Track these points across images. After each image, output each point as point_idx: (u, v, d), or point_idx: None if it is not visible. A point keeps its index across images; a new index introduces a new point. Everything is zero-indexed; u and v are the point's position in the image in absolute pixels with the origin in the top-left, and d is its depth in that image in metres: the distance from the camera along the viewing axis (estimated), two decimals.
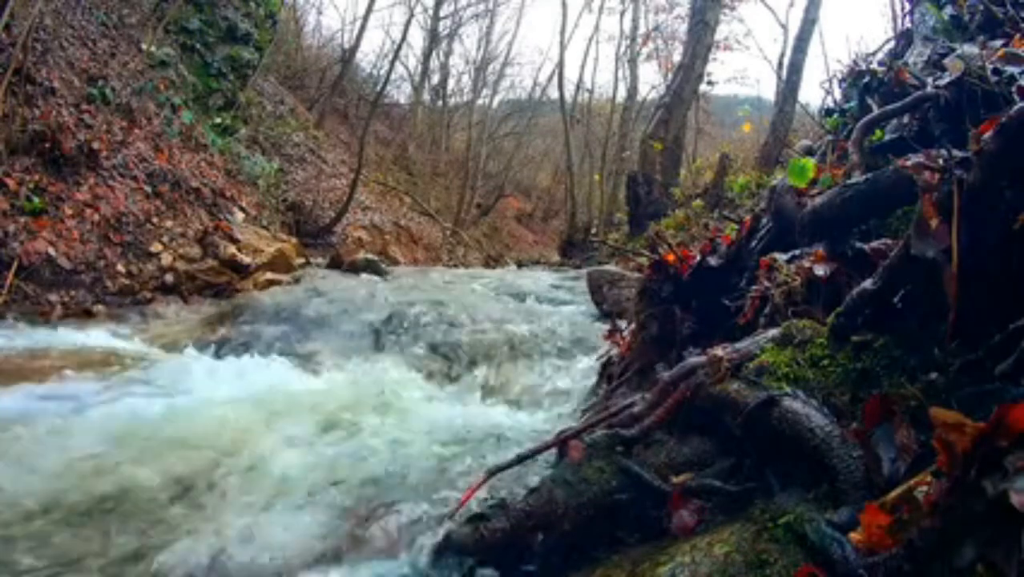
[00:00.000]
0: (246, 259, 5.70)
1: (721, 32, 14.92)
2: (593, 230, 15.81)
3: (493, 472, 1.63)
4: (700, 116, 17.28)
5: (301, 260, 6.74)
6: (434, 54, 21.14)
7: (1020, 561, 0.66)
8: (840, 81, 3.25)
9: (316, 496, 1.92)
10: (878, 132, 2.32)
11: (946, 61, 2.25)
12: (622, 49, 20.61)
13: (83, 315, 4.47)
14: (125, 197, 5.30)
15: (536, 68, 52.42)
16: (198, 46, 7.83)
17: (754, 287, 1.99)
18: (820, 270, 1.73)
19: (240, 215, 6.85)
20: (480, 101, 22.29)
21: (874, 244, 1.66)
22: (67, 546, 1.64)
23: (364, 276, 6.47)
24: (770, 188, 2.37)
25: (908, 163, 1.48)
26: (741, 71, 40.07)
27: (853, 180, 1.90)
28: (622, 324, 3.04)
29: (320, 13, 31.43)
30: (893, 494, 0.90)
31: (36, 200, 4.53)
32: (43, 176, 4.72)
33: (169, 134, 6.48)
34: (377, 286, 5.87)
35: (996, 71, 1.93)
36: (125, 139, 5.68)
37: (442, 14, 20.15)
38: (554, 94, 20.18)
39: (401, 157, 17.93)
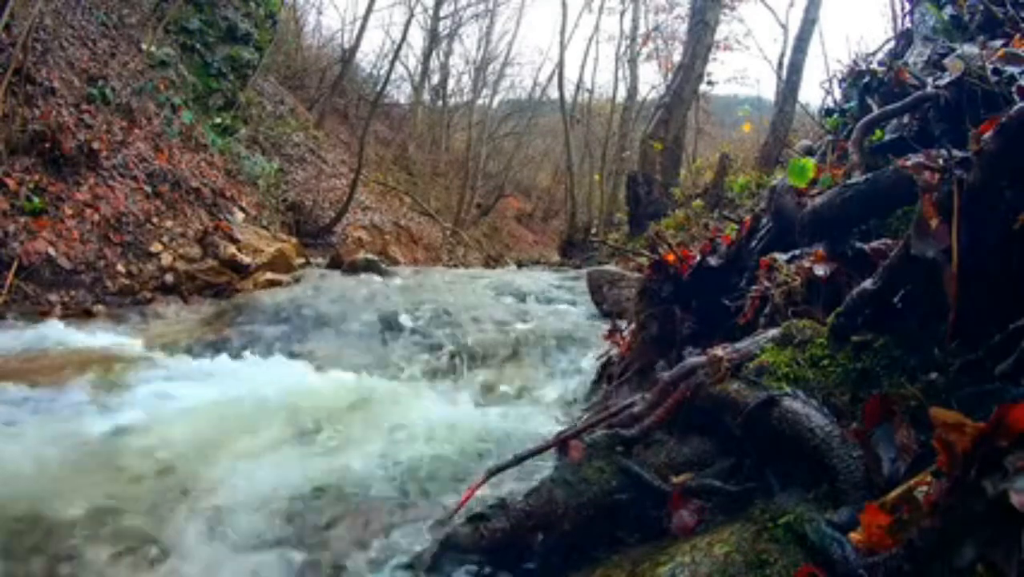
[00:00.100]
0: (246, 259, 5.70)
1: (721, 32, 14.93)
2: (593, 230, 15.81)
3: (493, 472, 1.63)
4: (700, 116, 17.28)
5: (301, 260, 6.74)
6: (434, 54, 21.16)
7: (1020, 561, 0.66)
8: (840, 81, 3.25)
9: (280, 515, 1.75)
10: (878, 132, 2.32)
11: (946, 61, 2.25)
12: (622, 49, 20.62)
13: (83, 315, 4.47)
14: (125, 197, 5.30)
15: (536, 68, 52.38)
16: (198, 46, 7.83)
17: (754, 287, 1.99)
18: (820, 270, 1.73)
19: (240, 215, 6.85)
20: (480, 101, 22.31)
21: (874, 244, 1.66)
22: None
23: (364, 276, 6.46)
24: (770, 188, 2.37)
25: (908, 163, 1.48)
26: (741, 71, 40.04)
27: (853, 180, 1.90)
28: (622, 324, 3.04)
29: (320, 13, 31.44)
30: (893, 494, 0.90)
31: (36, 200, 4.54)
32: (43, 176, 4.72)
33: (169, 134, 6.48)
34: (377, 286, 5.87)
35: (996, 71, 1.93)
36: (125, 139, 5.68)
37: (442, 14, 20.17)
38: (554, 94, 20.20)
39: (401, 157, 17.93)
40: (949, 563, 0.74)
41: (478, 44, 22.63)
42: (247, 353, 3.98)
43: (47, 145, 4.78)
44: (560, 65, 17.30)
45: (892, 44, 3.33)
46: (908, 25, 3.23)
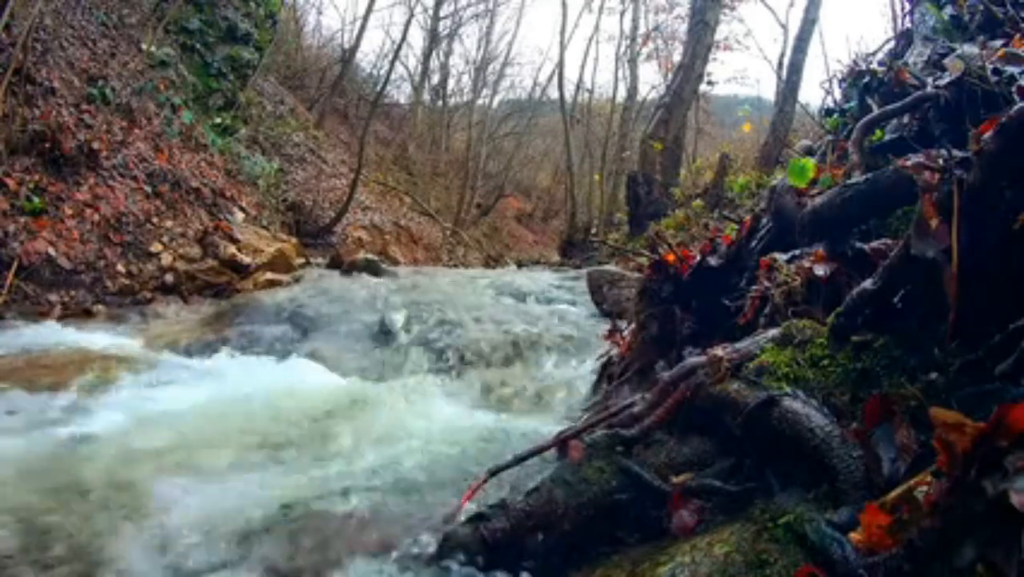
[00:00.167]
0: (246, 259, 5.70)
1: (721, 32, 14.94)
2: (593, 230, 15.81)
3: (493, 472, 1.63)
4: (700, 116, 17.28)
5: (301, 260, 6.74)
6: (434, 54, 21.16)
7: (1020, 561, 0.66)
8: (840, 81, 3.25)
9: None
10: (878, 132, 2.32)
11: (946, 61, 2.25)
12: (622, 49, 20.62)
13: (83, 315, 4.47)
14: (125, 197, 5.30)
15: (536, 68, 52.48)
16: (198, 46, 7.83)
17: (754, 287, 1.99)
18: (820, 270, 1.73)
19: (240, 215, 6.85)
20: (480, 101, 22.32)
21: (874, 244, 1.66)
22: None
23: (364, 276, 6.46)
24: (770, 188, 2.37)
25: (908, 163, 1.48)
26: (741, 71, 40.10)
27: (853, 180, 1.90)
28: (622, 324, 3.04)
29: (320, 13, 31.49)
30: (893, 494, 0.90)
31: (36, 200, 4.54)
32: (43, 176, 4.72)
33: (169, 134, 6.48)
34: (377, 286, 5.87)
35: (996, 71, 1.93)
36: (125, 139, 5.68)
37: (442, 14, 20.18)
38: (554, 94, 20.20)
39: (401, 157, 17.93)
40: (949, 563, 0.74)
41: (478, 44, 22.67)
42: (246, 354, 3.98)
43: (47, 145, 4.78)
44: (560, 65, 17.32)
45: (892, 44, 3.33)
46: (908, 25, 3.23)
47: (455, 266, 12.41)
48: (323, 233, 9.96)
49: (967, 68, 1.99)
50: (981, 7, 2.62)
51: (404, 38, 14.71)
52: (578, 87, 21.70)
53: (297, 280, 5.95)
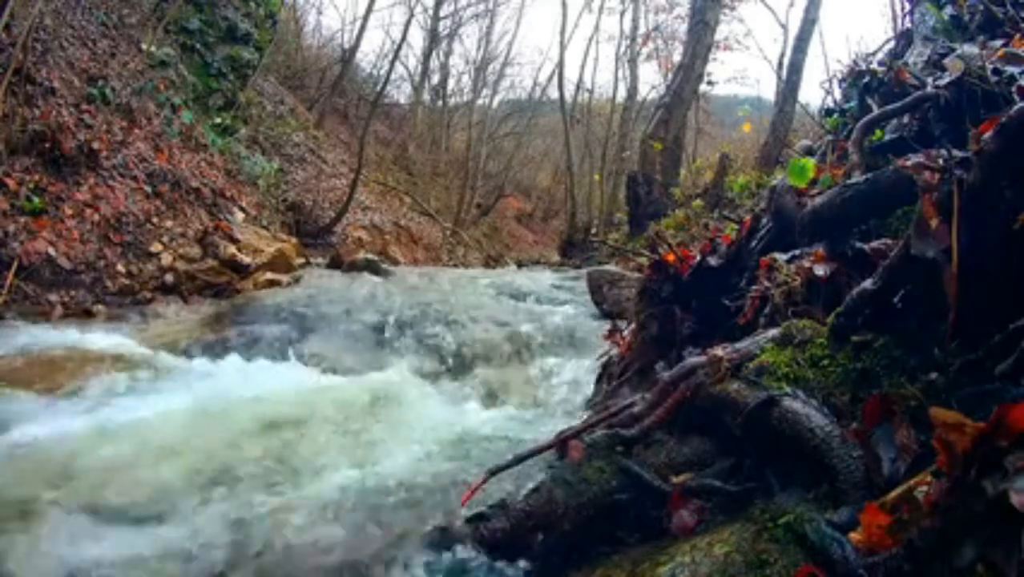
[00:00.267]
0: (246, 259, 5.70)
1: (721, 32, 14.94)
2: (593, 230, 15.81)
3: (493, 472, 1.63)
4: (700, 116, 17.28)
5: (301, 260, 6.74)
6: (434, 54, 21.16)
7: (1020, 561, 0.66)
8: (840, 81, 3.25)
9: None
10: (878, 132, 2.32)
11: (946, 61, 2.25)
12: (622, 49, 20.63)
13: (83, 315, 4.47)
14: (125, 197, 5.30)
15: (536, 68, 52.49)
16: (198, 46, 7.83)
17: (754, 287, 1.99)
18: (820, 270, 1.73)
19: (240, 215, 6.85)
20: (480, 101, 22.32)
21: (874, 244, 1.66)
22: None
23: (364, 276, 6.47)
24: (770, 188, 2.37)
25: (908, 163, 1.48)
26: (741, 71, 40.10)
27: (853, 180, 1.90)
28: (622, 324, 3.04)
29: (320, 13, 31.48)
30: (893, 494, 0.90)
31: (36, 200, 4.53)
32: (43, 176, 4.72)
33: (169, 134, 6.48)
34: (377, 286, 5.87)
35: (996, 71, 1.93)
36: (125, 139, 5.68)
37: (442, 14, 20.17)
38: (554, 94, 20.20)
39: (401, 157, 17.93)
40: (949, 563, 0.74)
41: (478, 44, 22.67)
42: (245, 354, 3.97)
43: (47, 145, 4.78)
44: (560, 65, 17.33)
45: (892, 44, 3.33)
46: (908, 25, 3.23)
47: (455, 266, 12.41)
48: (323, 233, 9.96)
49: (967, 68, 1.99)
50: (981, 7, 2.61)
51: (404, 38, 14.72)
52: (578, 87, 21.74)
53: (297, 280, 5.96)
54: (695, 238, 6.35)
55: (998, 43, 2.16)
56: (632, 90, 19.89)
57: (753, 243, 2.28)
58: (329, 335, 4.39)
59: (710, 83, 15.24)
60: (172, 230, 5.59)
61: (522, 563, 1.44)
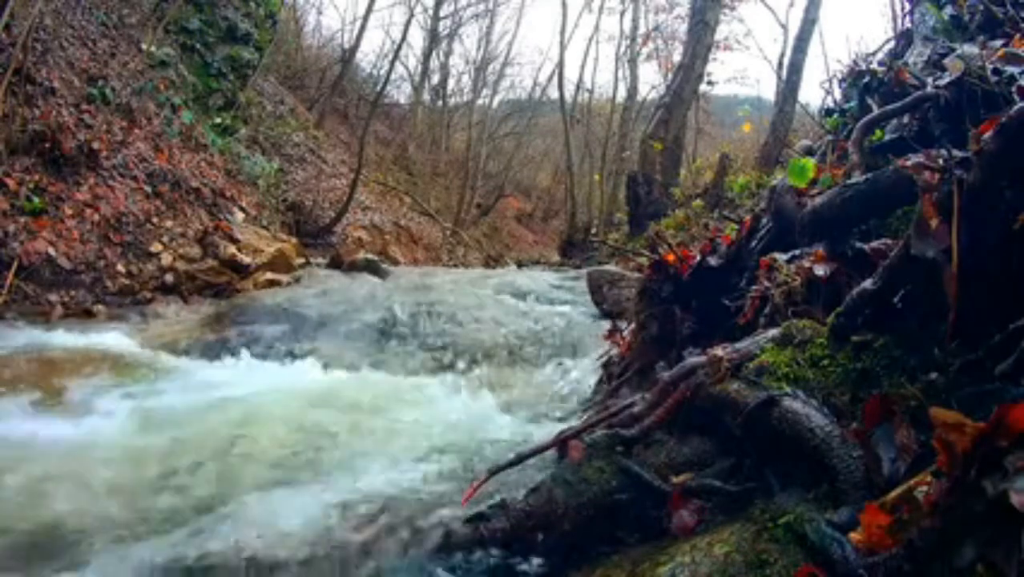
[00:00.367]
0: (246, 259, 5.70)
1: (721, 32, 14.94)
2: (593, 230, 15.81)
3: (493, 472, 1.63)
4: (700, 116, 17.29)
5: (301, 260, 6.74)
6: (434, 54, 21.17)
7: (1020, 561, 0.66)
8: (840, 81, 3.25)
9: None
10: (878, 132, 2.32)
11: (946, 61, 2.25)
12: (622, 49, 20.64)
13: (83, 315, 4.47)
14: (125, 197, 5.30)
15: (536, 68, 52.30)
16: (198, 46, 7.83)
17: (754, 287, 1.99)
18: (820, 270, 1.73)
19: (240, 215, 6.85)
20: (480, 101, 22.34)
21: (874, 244, 1.66)
22: None
23: (364, 276, 6.47)
24: (770, 188, 2.37)
25: (908, 163, 1.48)
26: (741, 71, 40.07)
27: (853, 180, 1.90)
28: (622, 324, 3.04)
29: (320, 13, 31.44)
30: (893, 494, 0.90)
31: (36, 200, 4.54)
32: (43, 176, 4.72)
33: (169, 134, 6.48)
34: (377, 286, 5.87)
35: (996, 71, 1.93)
36: (125, 139, 5.68)
37: (442, 14, 20.18)
38: (554, 94, 20.21)
39: (401, 157, 17.94)
40: (949, 563, 0.74)
41: (478, 44, 22.67)
42: (245, 354, 3.97)
43: (47, 145, 4.78)
44: (560, 65, 17.34)
45: (892, 44, 3.33)
46: (908, 25, 3.23)
47: (455, 266, 12.41)
48: (323, 233, 9.96)
49: (967, 68, 1.99)
50: (981, 7, 2.62)
51: (404, 38, 14.75)
52: (578, 87, 21.75)
53: (297, 280, 5.96)
54: (695, 238, 6.35)
55: (998, 43, 2.16)
56: (632, 90, 19.91)
57: (753, 243, 2.28)
58: (329, 335, 4.39)
59: (710, 83, 15.26)
60: (172, 230, 5.59)
61: (522, 563, 1.44)
